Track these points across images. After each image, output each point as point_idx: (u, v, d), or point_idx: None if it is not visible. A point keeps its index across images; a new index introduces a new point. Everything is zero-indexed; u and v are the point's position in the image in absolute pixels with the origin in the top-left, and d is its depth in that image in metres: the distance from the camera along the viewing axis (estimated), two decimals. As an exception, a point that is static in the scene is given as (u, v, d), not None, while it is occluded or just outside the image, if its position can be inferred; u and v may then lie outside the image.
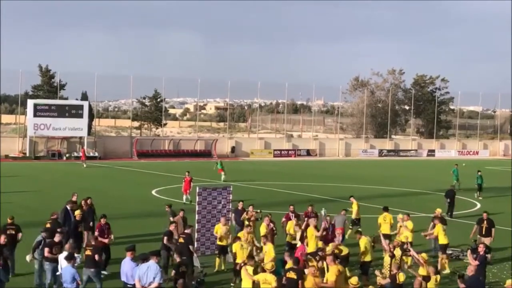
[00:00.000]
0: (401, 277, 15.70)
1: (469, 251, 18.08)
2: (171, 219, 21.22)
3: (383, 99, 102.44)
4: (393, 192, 42.96)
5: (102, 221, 19.82)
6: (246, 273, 15.24)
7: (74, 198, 22.57)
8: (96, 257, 16.39)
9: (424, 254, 17.12)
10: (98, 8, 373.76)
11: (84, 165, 57.12)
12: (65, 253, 16.08)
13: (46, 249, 16.86)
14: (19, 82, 72.06)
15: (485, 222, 22.39)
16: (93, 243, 17.02)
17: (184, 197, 34.24)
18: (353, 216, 25.95)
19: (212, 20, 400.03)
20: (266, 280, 14.52)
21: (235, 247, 18.48)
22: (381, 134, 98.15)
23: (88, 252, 16.59)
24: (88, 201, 22.76)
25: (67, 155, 66.82)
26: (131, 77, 78.29)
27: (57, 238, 17.33)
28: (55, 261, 16.57)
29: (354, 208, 26.07)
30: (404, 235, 20.85)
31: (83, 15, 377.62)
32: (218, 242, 20.02)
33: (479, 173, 41.69)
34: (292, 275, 14.88)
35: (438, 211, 24.47)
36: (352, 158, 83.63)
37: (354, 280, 14.56)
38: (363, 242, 18.34)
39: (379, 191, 42.64)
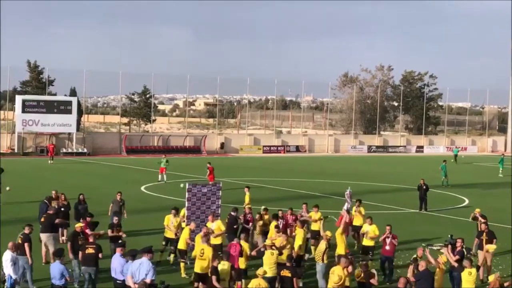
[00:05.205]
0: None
1: (448, 247, 17.69)
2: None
3: (372, 95, 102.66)
4: (381, 188, 43.10)
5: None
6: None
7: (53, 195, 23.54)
8: (100, 255, 16.33)
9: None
10: (86, 4, 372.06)
11: (49, 161, 56.49)
12: (8, 252, 15.68)
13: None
14: (7, 78, 71.90)
15: (484, 234, 20.10)
16: (91, 240, 16.79)
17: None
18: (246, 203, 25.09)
19: (201, 17, 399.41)
20: (259, 285, 14.37)
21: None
22: (370, 130, 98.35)
23: (90, 251, 16.37)
24: (81, 197, 23.61)
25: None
26: (120, 73, 78.00)
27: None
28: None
29: (246, 199, 25.73)
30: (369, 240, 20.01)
31: (72, 10, 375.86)
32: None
33: None
34: (286, 273, 14.87)
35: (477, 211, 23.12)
36: (341, 154, 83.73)
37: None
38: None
39: (368, 187, 42.72)
